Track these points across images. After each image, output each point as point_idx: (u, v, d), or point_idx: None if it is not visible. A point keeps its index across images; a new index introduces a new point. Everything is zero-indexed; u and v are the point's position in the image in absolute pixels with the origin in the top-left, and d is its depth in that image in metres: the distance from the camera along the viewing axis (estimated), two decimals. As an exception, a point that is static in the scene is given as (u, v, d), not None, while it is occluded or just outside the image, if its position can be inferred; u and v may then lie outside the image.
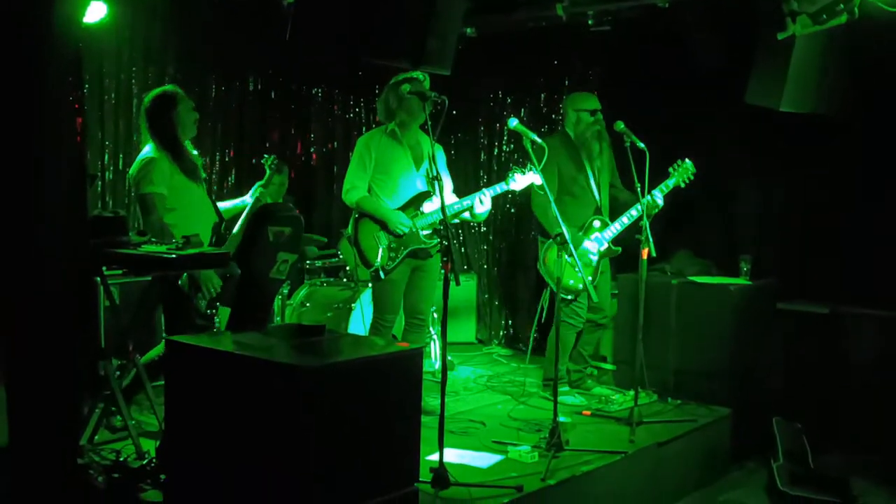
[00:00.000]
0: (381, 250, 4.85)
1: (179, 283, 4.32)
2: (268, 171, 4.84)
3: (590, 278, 5.27)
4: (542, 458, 4.15)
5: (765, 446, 5.00)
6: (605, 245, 5.34)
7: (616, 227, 5.33)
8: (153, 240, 4.03)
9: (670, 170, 5.34)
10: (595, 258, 5.31)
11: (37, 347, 3.21)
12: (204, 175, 4.64)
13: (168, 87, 4.54)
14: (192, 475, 3.37)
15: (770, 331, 5.60)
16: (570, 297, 5.28)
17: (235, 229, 4.70)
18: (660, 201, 5.24)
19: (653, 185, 5.08)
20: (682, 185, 5.34)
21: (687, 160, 5.36)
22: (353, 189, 4.92)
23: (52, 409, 3.25)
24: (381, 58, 4.71)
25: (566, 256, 4.54)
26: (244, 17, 6.50)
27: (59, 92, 3.32)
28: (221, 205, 4.83)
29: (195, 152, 4.60)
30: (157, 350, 4.58)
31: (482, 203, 4.93)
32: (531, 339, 5.50)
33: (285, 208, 5.28)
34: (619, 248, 5.36)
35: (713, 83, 5.73)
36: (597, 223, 5.36)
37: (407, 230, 4.85)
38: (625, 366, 5.68)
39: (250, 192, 4.84)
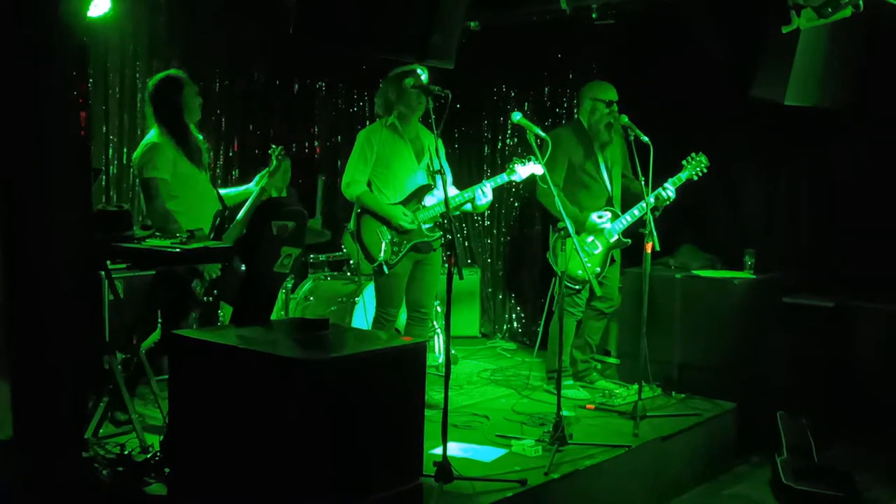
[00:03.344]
0: (383, 245, 4.85)
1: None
2: (273, 162, 4.85)
3: (598, 269, 5.28)
4: (546, 452, 4.15)
5: (769, 440, 5.00)
6: (616, 237, 5.34)
7: (627, 219, 5.34)
8: (157, 233, 4.03)
9: (683, 163, 5.37)
10: (608, 231, 5.30)
11: (41, 341, 3.22)
12: (208, 158, 4.63)
13: (172, 71, 4.54)
14: (196, 469, 3.37)
15: (775, 325, 5.59)
16: (576, 287, 5.29)
17: (238, 217, 4.70)
18: (671, 194, 5.26)
19: (659, 178, 5.08)
20: (695, 178, 5.37)
21: (701, 154, 5.37)
22: (354, 183, 4.91)
23: (57, 403, 3.26)
24: (386, 52, 4.70)
25: (574, 246, 4.55)
26: (248, 10, 6.50)
27: (64, 86, 3.33)
28: (225, 191, 4.83)
29: (200, 137, 4.60)
30: (155, 336, 4.59)
31: (484, 195, 4.94)
32: (539, 332, 5.50)
33: (289, 202, 5.29)
34: (629, 240, 5.37)
35: (718, 76, 5.72)
36: (608, 214, 5.36)
37: (409, 224, 4.85)
38: (629, 360, 5.67)
39: (254, 181, 4.84)
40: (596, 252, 5.33)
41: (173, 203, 4.32)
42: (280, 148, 4.90)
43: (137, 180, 4.56)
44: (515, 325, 7.43)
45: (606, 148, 5.41)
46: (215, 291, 4.35)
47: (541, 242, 5.46)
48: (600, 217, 5.30)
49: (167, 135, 4.36)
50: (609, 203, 5.43)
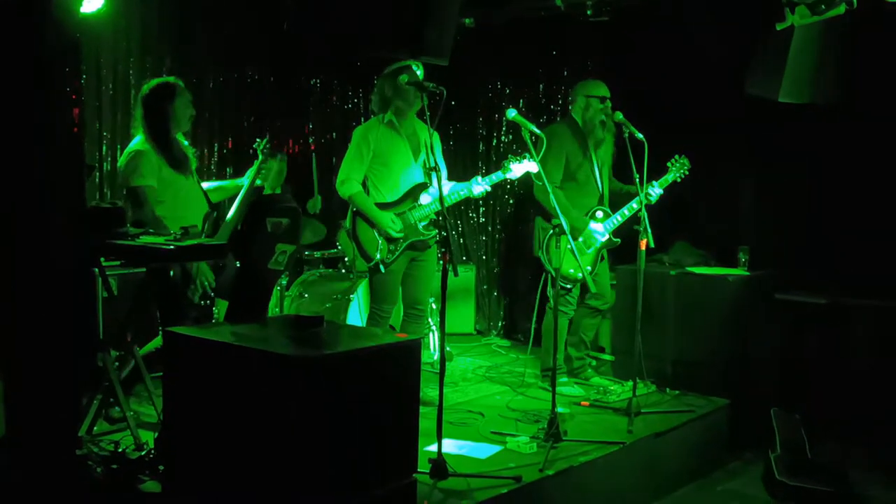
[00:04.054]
0: (380, 243, 4.85)
1: (171, 274, 4.32)
2: (260, 156, 4.83)
3: (589, 268, 5.28)
4: (541, 449, 4.16)
5: (763, 437, 5.01)
6: (606, 236, 5.35)
7: (617, 219, 5.35)
8: (151, 231, 4.02)
9: (668, 164, 5.38)
10: (600, 241, 5.31)
11: (35, 338, 3.21)
12: (195, 164, 4.62)
13: (170, 79, 4.52)
14: (190, 466, 3.37)
15: (768, 321, 5.60)
16: (568, 286, 5.30)
17: (230, 215, 4.68)
18: (659, 190, 5.27)
19: (650, 177, 5.09)
20: (678, 180, 5.41)
21: (683, 156, 5.42)
22: (348, 181, 4.90)
23: (51, 400, 3.25)
24: (380, 49, 4.70)
25: (567, 245, 4.55)
26: (242, 7, 6.48)
27: (57, 82, 3.32)
28: (216, 184, 4.82)
29: (186, 143, 4.59)
30: (156, 342, 4.59)
31: (473, 192, 4.94)
32: (532, 329, 5.51)
33: (283, 199, 5.28)
34: (619, 240, 5.38)
35: (712, 73, 5.72)
36: (599, 213, 5.37)
37: (396, 234, 4.84)
38: (623, 356, 5.69)
39: (246, 175, 4.83)
40: (588, 251, 5.33)
41: (160, 208, 4.31)
42: (265, 141, 4.88)
43: (123, 187, 4.53)
44: (510, 321, 7.43)
45: (600, 146, 5.42)
46: (212, 294, 4.34)
47: (534, 237, 5.45)
48: (598, 224, 5.31)
49: (151, 141, 4.35)
50: (600, 201, 5.44)
